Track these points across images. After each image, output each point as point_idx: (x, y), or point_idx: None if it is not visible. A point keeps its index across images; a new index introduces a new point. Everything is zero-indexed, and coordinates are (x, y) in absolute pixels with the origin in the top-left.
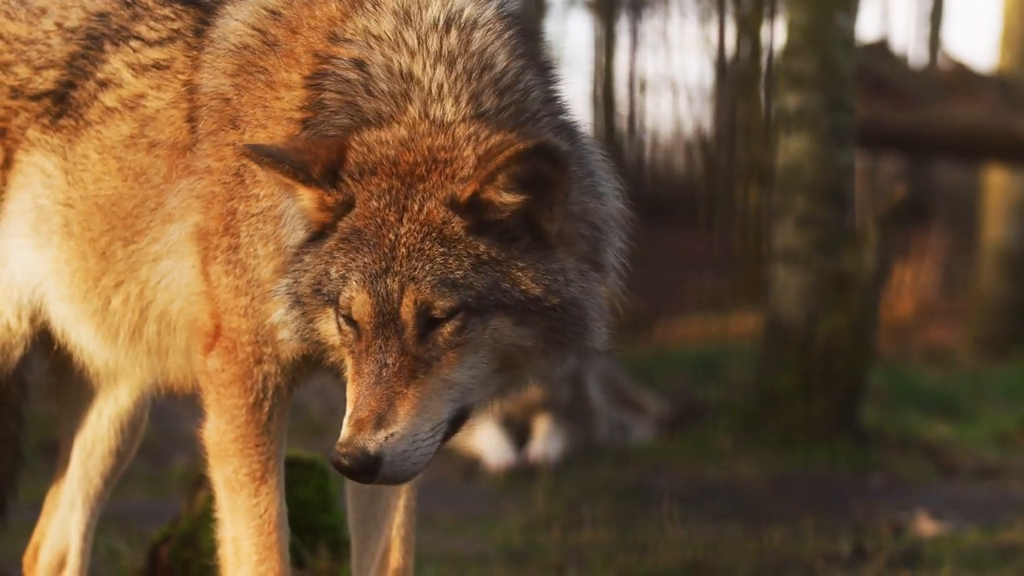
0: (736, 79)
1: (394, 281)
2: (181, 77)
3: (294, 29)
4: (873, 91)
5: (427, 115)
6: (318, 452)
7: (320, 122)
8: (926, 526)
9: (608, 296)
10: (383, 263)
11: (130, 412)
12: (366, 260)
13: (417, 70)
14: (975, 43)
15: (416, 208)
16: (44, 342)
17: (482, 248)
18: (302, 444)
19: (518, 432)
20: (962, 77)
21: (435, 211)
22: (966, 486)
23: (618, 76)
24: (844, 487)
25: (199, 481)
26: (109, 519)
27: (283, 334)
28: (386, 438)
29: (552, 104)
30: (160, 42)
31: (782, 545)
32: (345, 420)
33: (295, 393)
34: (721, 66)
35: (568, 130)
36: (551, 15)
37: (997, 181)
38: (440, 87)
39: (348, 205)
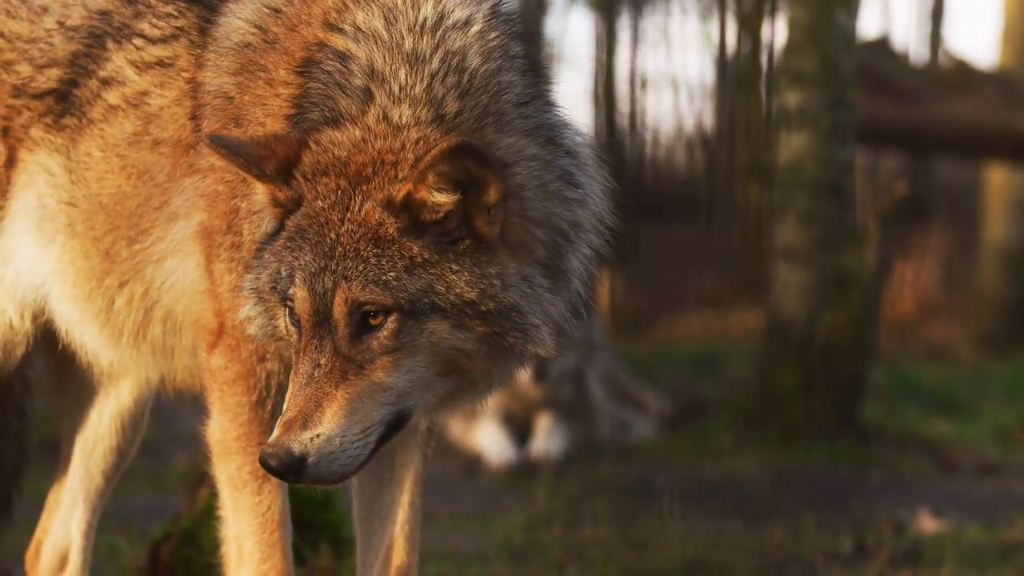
0: (737, 76)
1: (329, 280)
2: (185, 75)
3: (293, 26)
4: (874, 88)
5: (385, 118)
6: None
7: (302, 117)
8: (927, 523)
9: (569, 301)
10: (322, 262)
11: (131, 410)
12: (307, 259)
13: (387, 70)
14: (976, 41)
15: (356, 208)
16: (47, 340)
17: (416, 250)
18: None
19: (519, 430)
20: (963, 74)
21: (372, 212)
22: (967, 484)
23: (619, 73)
24: (845, 484)
25: (200, 479)
26: (110, 517)
27: (251, 329)
28: (311, 439)
29: (531, 106)
30: (163, 40)
31: (783, 542)
32: (279, 420)
33: None
34: (722, 63)
35: (546, 131)
36: (552, 13)
37: (998, 178)
38: (402, 89)
39: (297, 203)
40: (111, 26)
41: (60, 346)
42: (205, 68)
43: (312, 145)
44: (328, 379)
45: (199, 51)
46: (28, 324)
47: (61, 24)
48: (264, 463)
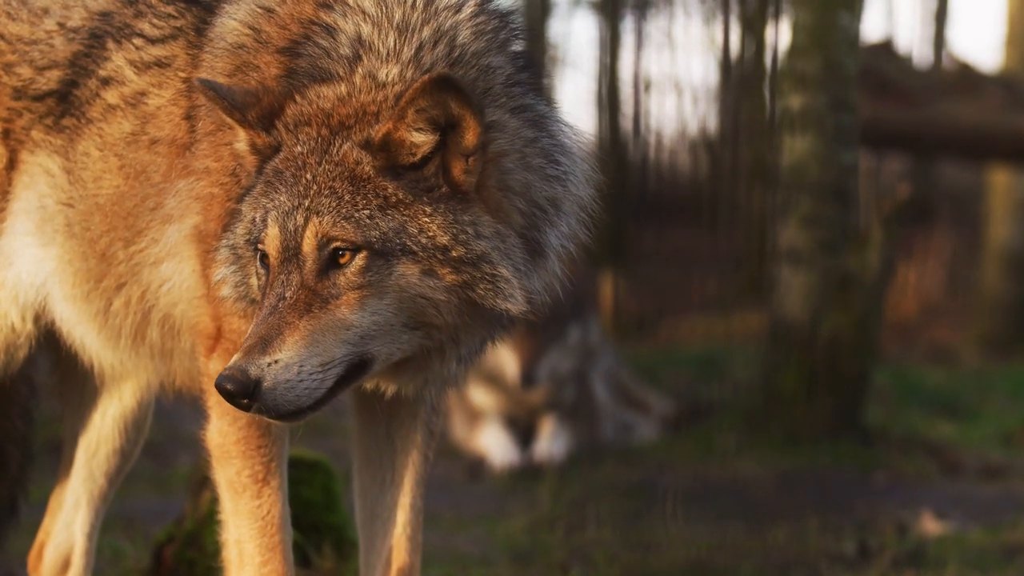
0: (740, 79)
1: (301, 216)
2: (181, 75)
3: (286, 25)
4: (877, 91)
5: (372, 76)
6: (321, 452)
7: (291, 84)
8: (930, 526)
9: (545, 277)
10: (296, 200)
11: (134, 412)
12: (282, 198)
13: (375, 38)
14: (980, 43)
15: (335, 151)
16: (49, 342)
17: (391, 190)
18: (305, 444)
19: (523, 432)
20: (966, 77)
21: (350, 152)
22: (970, 486)
23: (623, 76)
24: (848, 486)
25: (203, 481)
26: (113, 519)
27: (225, 291)
28: (269, 364)
29: (518, 88)
30: (162, 39)
31: (786, 544)
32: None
33: None
34: (725, 66)
35: (531, 114)
36: (556, 15)
37: (1001, 181)
38: (390, 52)
39: (275, 149)
40: (111, 26)
41: (63, 348)
42: (200, 69)
43: (297, 98)
44: (292, 310)
45: (196, 51)
46: (30, 326)
47: (62, 25)
48: (220, 387)
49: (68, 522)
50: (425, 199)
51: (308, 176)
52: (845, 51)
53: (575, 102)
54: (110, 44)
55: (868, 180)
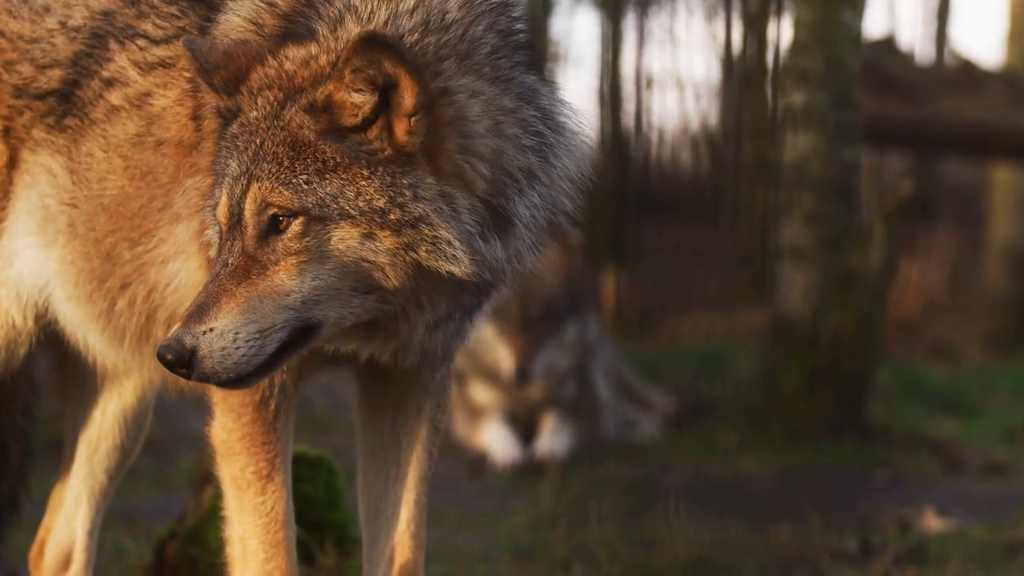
0: (742, 76)
1: (244, 182)
2: (186, 74)
3: (286, 13)
4: (879, 88)
5: (344, 39)
6: (324, 449)
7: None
8: (933, 523)
9: (515, 246)
10: (244, 166)
11: (134, 409)
12: (232, 165)
13: (363, 5)
14: (982, 40)
15: (284, 115)
16: (50, 339)
17: (329, 153)
18: (308, 441)
19: (525, 429)
20: (969, 74)
21: (295, 116)
22: (973, 483)
23: (625, 73)
24: (850, 484)
25: (206, 478)
26: (115, 516)
27: (212, 252)
28: (204, 332)
29: (505, 61)
30: (166, 40)
31: (788, 542)
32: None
33: (301, 390)
34: (727, 63)
35: (517, 86)
36: (558, 13)
37: (1004, 178)
38: (370, 16)
39: (235, 114)
40: (114, 26)
41: (63, 346)
42: None
43: (267, 60)
44: (231, 277)
45: None
46: (31, 324)
47: (63, 24)
48: (160, 357)
49: (69, 519)
50: (364, 162)
51: (257, 142)
52: (847, 48)
53: (577, 99)
54: (113, 45)
55: (870, 177)
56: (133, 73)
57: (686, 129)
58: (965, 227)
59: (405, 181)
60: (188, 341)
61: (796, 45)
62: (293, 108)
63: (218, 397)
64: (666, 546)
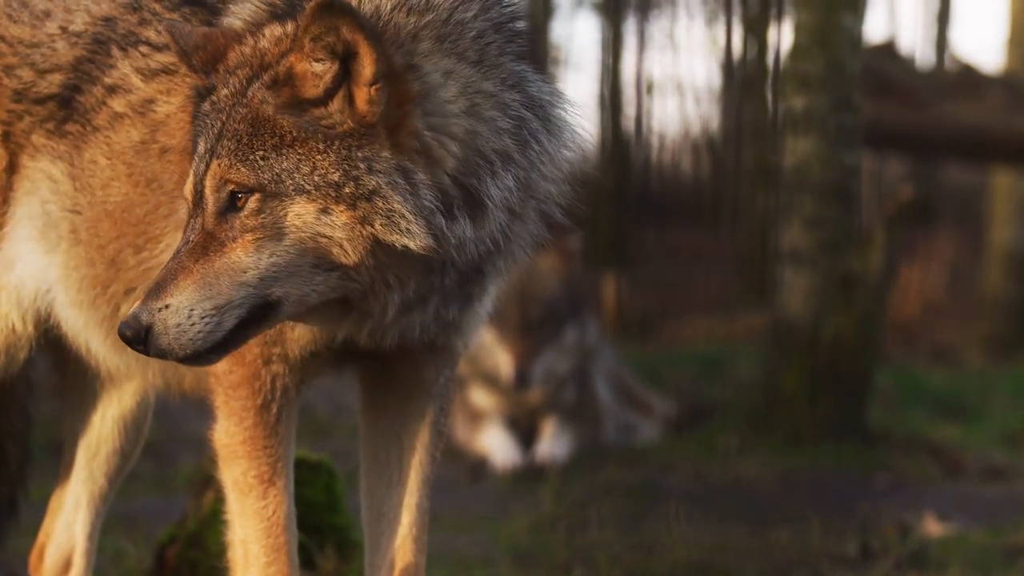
0: (743, 80)
1: (206, 160)
2: (189, 81)
3: (285, 14)
4: (880, 92)
5: None
6: (325, 453)
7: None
8: (933, 527)
9: (491, 229)
10: (208, 145)
11: (134, 412)
12: (200, 144)
13: None
14: (982, 44)
15: (250, 92)
16: (50, 344)
17: (287, 127)
18: (308, 445)
19: (525, 433)
20: (969, 78)
21: (258, 92)
22: (973, 487)
23: (625, 77)
24: (850, 487)
25: (206, 481)
26: (116, 519)
27: None
28: (160, 309)
29: (492, 46)
30: (169, 46)
31: (788, 545)
32: None
33: (303, 394)
34: (728, 67)
35: (502, 72)
36: (558, 17)
37: (1004, 182)
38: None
39: (212, 92)
40: (116, 32)
41: (63, 349)
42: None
43: (246, 38)
44: (190, 254)
45: None
46: (31, 329)
47: (64, 29)
48: (120, 334)
49: (69, 523)
50: (321, 135)
51: (222, 119)
52: (847, 52)
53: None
54: (115, 51)
55: (870, 181)
56: (136, 80)
57: (686, 133)
58: (965, 231)
59: (360, 154)
60: (144, 318)
61: (796, 49)
62: (257, 84)
63: (220, 401)
64: (666, 550)
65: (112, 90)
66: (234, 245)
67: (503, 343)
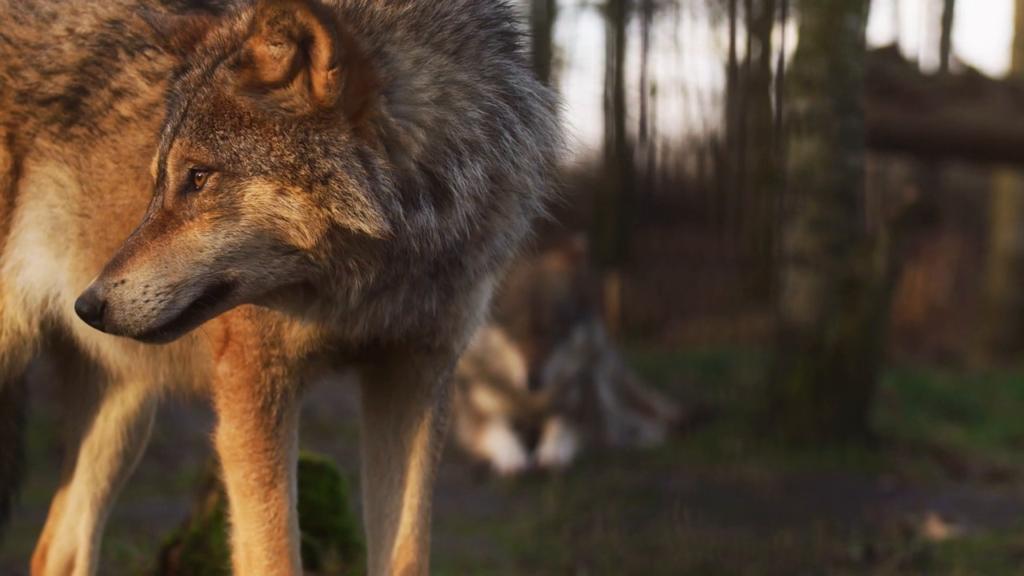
0: (746, 82)
1: (171, 137)
2: None
3: None
4: (883, 94)
5: None
6: (327, 454)
7: None
8: (936, 529)
9: (458, 218)
10: (174, 123)
11: (136, 414)
12: (167, 124)
13: None
14: (986, 47)
15: (216, 73)
16: (53, 345)
17: (246, 108)
18: (312, 446)
19: (528, 435)
20: (973, 81)
21: (220, 72)
22: (976, 489)
23: (629, 79)
24: (854, 490)
25: (209, 483)
26: (119, 522)
27: None
28: (115, 284)
29: (472, 39)
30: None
31: (792, 548)
32: None
33: (304, 396)
34: (732, 69)
35: (481, 64)
36: (562, 18)
37: (1007, 185)
38: None
39: (185, 71)
40: (123, 36)
41: (65, 351)
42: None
43: (225, 20)
44: (148, 232)
45: None
46: (36, 331)
47: (70, 31)
48: (77, 310)
49: (71, 525)
50: (279, 117)
51: (188, 99)
52: (851, 54)
53: (581, 105)
54: (122, 55)
55: (874, 183)
56: (142, 84)
57: (690, 135)
58: (969, 234)
59: (317, 137)
60: (100, 293)
61: (800, 51)
62: (222, 65)
63: (222, 404)
64: (670, 552)
65: (119, 94)
66: (191, 224)
67: (513, 345)
